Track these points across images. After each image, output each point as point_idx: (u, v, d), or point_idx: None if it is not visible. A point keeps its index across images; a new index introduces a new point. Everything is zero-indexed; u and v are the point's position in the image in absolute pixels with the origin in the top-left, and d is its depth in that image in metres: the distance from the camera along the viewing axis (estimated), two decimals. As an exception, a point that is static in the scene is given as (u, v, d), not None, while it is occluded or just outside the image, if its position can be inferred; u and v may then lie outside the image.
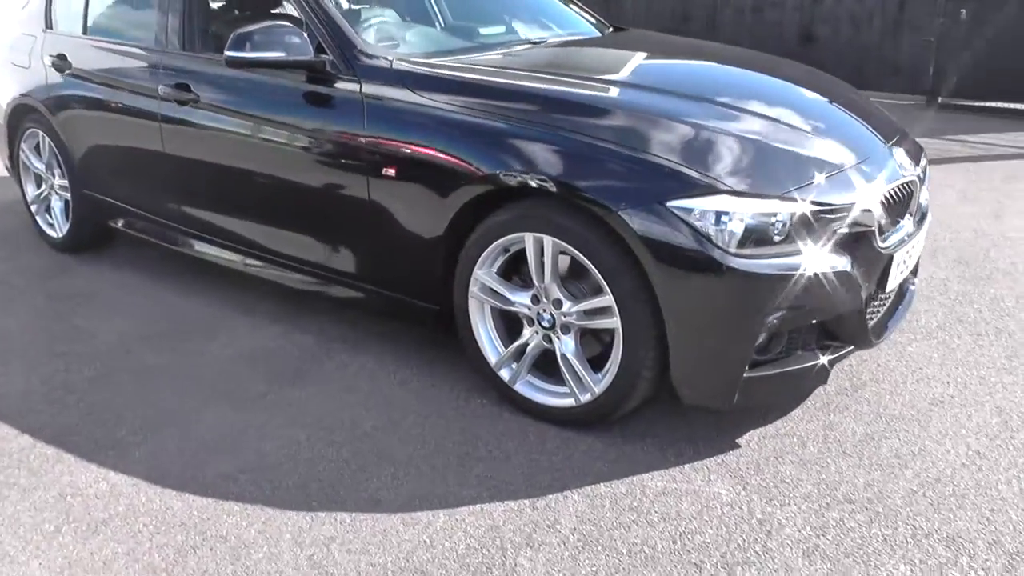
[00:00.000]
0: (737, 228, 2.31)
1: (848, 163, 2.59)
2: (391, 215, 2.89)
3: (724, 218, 2.31)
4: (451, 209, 2.72)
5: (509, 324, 2.85)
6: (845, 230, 2.44)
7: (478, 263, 2.73)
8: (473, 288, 2.78)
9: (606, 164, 2.44)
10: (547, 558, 2.17)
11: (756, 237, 2.33)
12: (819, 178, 2.47)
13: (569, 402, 2.69)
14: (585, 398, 2.64)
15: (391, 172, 2.83)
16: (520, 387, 2.79)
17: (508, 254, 2.71)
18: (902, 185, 2.71)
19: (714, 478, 2.46)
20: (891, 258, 2.62)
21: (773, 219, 2.34)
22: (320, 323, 3.53)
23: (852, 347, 2.62)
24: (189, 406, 2.94)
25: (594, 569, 2.13)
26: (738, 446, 2.61)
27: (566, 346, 2.66)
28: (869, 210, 2.51)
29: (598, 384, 2.60)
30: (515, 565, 2.15)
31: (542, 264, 2.60)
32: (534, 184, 2.51)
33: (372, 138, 2.86)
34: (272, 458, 2.62)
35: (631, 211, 2.36)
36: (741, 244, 2.32)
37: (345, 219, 3.05)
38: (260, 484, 2.50)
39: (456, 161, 2.67)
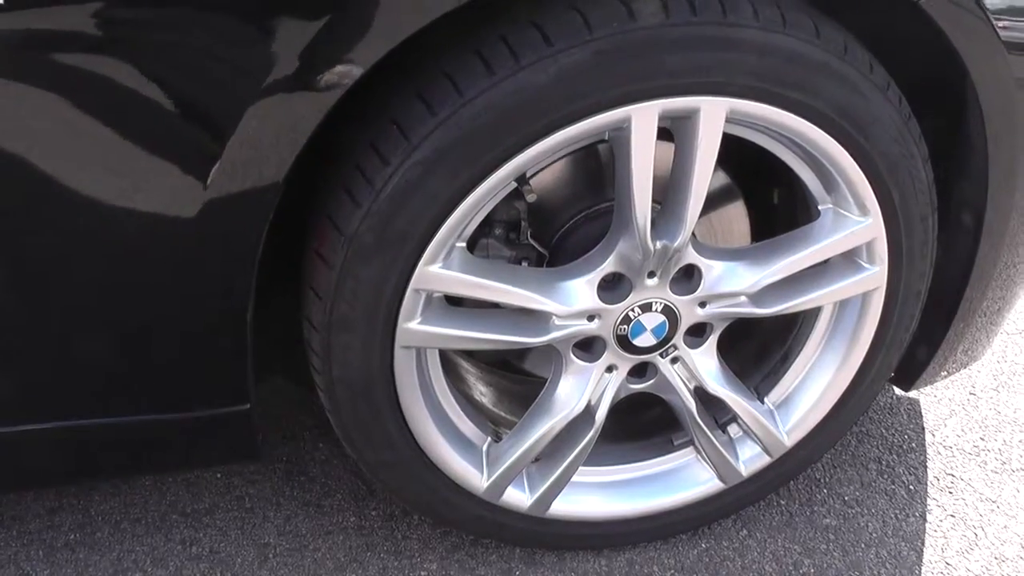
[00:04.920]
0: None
1: None
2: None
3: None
4: (315, 112, 0.73)
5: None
6: None
7: (431, 247, 0.82)
8: (410, 324, 0.86)
9: None
10: None
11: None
12: None
13: (704, 487, 1.11)
14: (751, 465, 1.10)
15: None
16: (564, 504, 1.07)
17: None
18: None
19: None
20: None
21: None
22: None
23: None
24: None
25: None
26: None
27: (700, 369, 1.02)
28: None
29: (787, 420, 1.08)
30: None
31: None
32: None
33: None
34: None
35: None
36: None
37: None
38: None
39: None
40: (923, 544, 1.19)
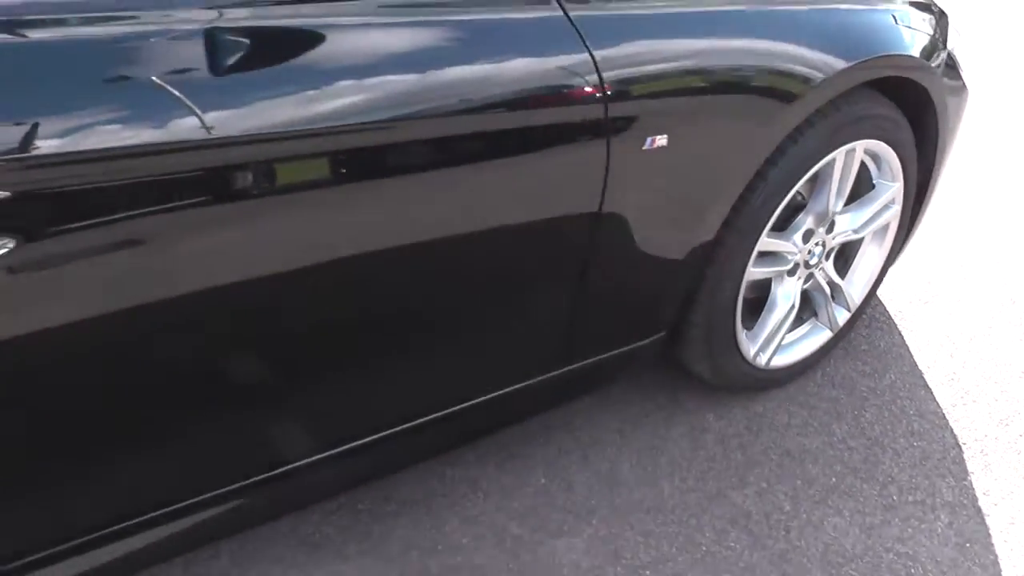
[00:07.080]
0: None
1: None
2: (640, 220, 1.50)
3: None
4: (757, 156, 1.61)
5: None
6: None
7: (767, 227, 1.74)
8: (751, 268, 1.79)
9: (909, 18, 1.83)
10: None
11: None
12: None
13: (823, 337, 2.12)
14: (842, 318, 2.13)
15: (661, 142, 1.42)
16: (777, 359, 2.03)
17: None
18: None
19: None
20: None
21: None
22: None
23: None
24: None
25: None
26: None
27: (830, 271, 2.03)
28: None
29: (855, 291, 2.12)
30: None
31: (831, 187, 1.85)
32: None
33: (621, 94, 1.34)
34: None
35: (937, 61, 1.89)
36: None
37: (552, 274, 1.43)
38: None
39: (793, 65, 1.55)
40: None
